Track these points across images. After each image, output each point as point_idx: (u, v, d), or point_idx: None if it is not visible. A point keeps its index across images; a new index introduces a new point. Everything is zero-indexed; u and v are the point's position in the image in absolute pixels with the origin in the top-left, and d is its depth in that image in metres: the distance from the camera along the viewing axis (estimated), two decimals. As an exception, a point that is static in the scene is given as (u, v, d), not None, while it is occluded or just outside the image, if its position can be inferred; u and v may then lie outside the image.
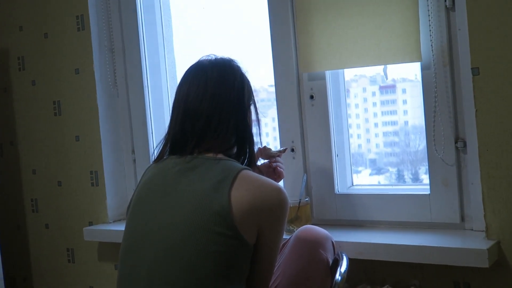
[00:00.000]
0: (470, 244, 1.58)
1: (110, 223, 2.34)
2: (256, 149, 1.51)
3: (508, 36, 1.52)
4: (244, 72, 1.49)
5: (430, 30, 1.68)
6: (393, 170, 2.18)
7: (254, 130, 1.50)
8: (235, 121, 1.42)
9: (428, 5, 1.68)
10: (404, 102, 2.12)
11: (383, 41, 1.74)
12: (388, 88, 2.16)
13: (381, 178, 2.19)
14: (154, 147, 2.29)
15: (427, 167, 1.76)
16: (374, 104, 2.18)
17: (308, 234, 1.53)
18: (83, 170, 2.40)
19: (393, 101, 2.16)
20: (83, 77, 2.35)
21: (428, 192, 1.77)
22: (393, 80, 2.06)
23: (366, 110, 2.20)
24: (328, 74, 1.92)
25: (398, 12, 1.71)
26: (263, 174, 1.67)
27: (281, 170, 1.71)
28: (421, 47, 1.69)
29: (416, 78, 2.06)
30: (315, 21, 1.86)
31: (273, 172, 1.71)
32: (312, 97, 1.94)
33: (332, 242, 1.57)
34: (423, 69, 1.73)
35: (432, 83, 1.70)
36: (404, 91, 2.12)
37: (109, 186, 2.35)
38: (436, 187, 1.74)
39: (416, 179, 2.09)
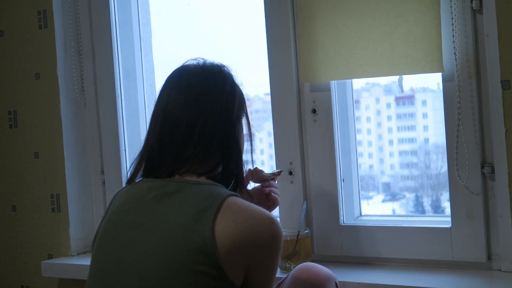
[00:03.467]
0: (498, 287, 1.58)
1: (73, 256, 2.33)
2: (246, 169, 1.51)
3: (544, 44, 1.54)
4: (236, 82, 1.50)
5: (453, 36, 1.70)
6: (411, 196, 2.18)
7: (246, 147, 1.50)
8: (221, 134, 1.42)
9: (451, 6, 1.70)
10: (425, 116, 2.14)
11: (399, 47, 1.75)
12: (405, 99, 2.17)
13: (396, 206, 2.20)
14: (127, 166, 2.33)
15: (449, 196, 1.77)
16: (389, 117, 2.19)
17: (308, 274, 1.52)
18: (42, 193, 2.39)
19: (412, 115, 2.17)
20: (44, 82, 2.35)
21: (449, 225, 1.77)
22: (412, 90, 2.07)
23: (379, 124, 2.21)
24: (334, 84, 1.93)
25: (416, 13, 1.73)
26: (253, 201, 1.67)
27: (276, 196, 1.71)
28: (443, 55, 1.70)
29: (438, 88, 2.08)
30: (319, 21, 1.87)
31: (266, 198, 1.71)
32: (314, 111, 1.95)
33: (336, 283, 1.57)
34: (445, 80, 1.74)
35: (455, 98, 1.72)
36: (424, 103, 2.13)
37: (73, 213, 2.34)
38: (459, 219, 1.75)
39: (437, 207, 2.10)
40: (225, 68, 1.50)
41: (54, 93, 2.33)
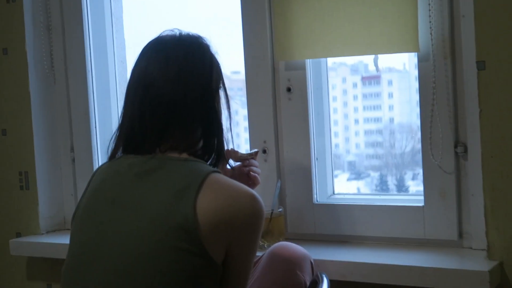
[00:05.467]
0: (469, 265, 1.61)
1: (42, 234, 2.31)
2: (227, 142, 1.50)
3: (519, 26, 1.55)
4: (213, 53, 1.49)
5: (429, 16, 1.71)
6: (375, 175, 2.20)
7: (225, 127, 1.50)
8: (202, 108, 1.42)
9: (428, -14, 1.71)
10: (390, 95, 2.15)
11: (375, 26, 1.76)
12: (371, 79, 2.18)
13: (360, 184, 2.21)
14: (98, 144, 2.31)
15: (422, 174, 1.79)
16: (355, 97, 2.20)
17: (283, 253, 1.54)
18: (10, 171, 2.36)
19: (378, 94, 2.18)
20: (12, 58, 2.32)
21: (422, 204, 1.80)
22: (374, 70, 2.08)
23: (345, 104, 2.21)
24: (309, 63, 1.93)
25: (392, -7, 1.74)
26: (234, 173, 1.67)
27: (255, 175, 1.71)
28: (419, 36, 1.72)
29: (404, 68, 2.09)
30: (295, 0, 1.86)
31: (247, 178, 1.70)
32: (289, 89, 1.95)
33: (311, 261, 1.58)
34: (420, 61, 1.75)
35: (430, 78, 1.73)
36: (390, 83, 2.15)
37: (42, 190, 2.32)
38: (432, 198, 1.77)
39: (401, 186, 2.12)
40: (202, 40, 1.48)
41: (22, 69, 2.30)
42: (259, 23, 1.95)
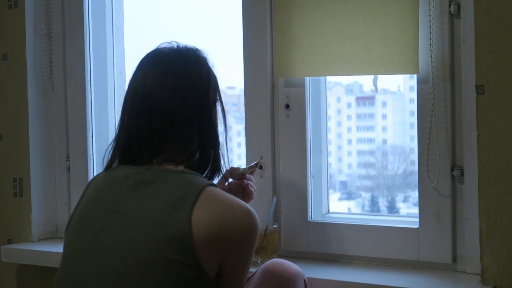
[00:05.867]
0: (461, 289, 1.61)
1: (34, 242, 2.30)
2: (224, 158, 1.51)
3: (519, 51, 1.56)
4: (210, 66, 1.50)
5: (430, 39, 1.72)
6: (366, 195, 2.20)
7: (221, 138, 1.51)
8: (199, 120, 1.43)
9: (430, 9, 1.71)
10: (384, 117, 2.16)
11: (375, 47, 1.77)
12: (366, 100, 2.19)
13: (351, 204, 2.22)
14: (94, 153, 2.31)
15: (413, 197, 1.79)
16: (349, 117, 2.21)
17: (277, 270, 1.54)
18: (4, 176, 2.35)
19: (371, 115, 2.19)
20: (11, 64, 2.32)
21: (416, 226, 1.80)
22: (372, 91, 2.10)
23: (339, 123, 2.22)
24: (308, 80, 1.94)
25: (395, 14, 1.75)
26: (231, 192, 1.68)
27: (252, 190, 1.72)
28: (419, 58, 1.72)
29: (399, 90, 2.10)
30: (296, 17, 1.87)
31: (242, 191, 1.71)
32: (287, 106, 1.95)
33: (304, 280, 1.58)
34: (419, 83, 1.76)
35: (429, 100, 1.74)
36: (384, 104, 2.15)
37: (36, 198, 2.31)
38: (427, 220, 1.77)
39: (392, 208, 2.12)
40: (200, 52, 1.50)
41: (21, 75, 2.29)
42: (260, 39, 1.96)
